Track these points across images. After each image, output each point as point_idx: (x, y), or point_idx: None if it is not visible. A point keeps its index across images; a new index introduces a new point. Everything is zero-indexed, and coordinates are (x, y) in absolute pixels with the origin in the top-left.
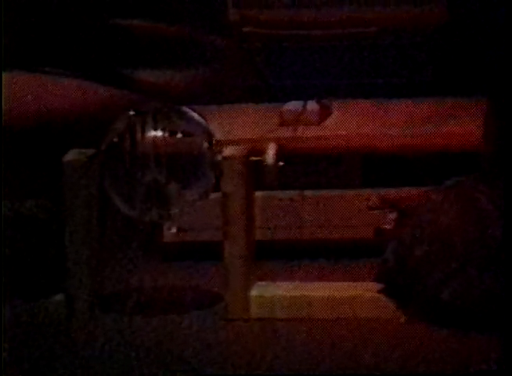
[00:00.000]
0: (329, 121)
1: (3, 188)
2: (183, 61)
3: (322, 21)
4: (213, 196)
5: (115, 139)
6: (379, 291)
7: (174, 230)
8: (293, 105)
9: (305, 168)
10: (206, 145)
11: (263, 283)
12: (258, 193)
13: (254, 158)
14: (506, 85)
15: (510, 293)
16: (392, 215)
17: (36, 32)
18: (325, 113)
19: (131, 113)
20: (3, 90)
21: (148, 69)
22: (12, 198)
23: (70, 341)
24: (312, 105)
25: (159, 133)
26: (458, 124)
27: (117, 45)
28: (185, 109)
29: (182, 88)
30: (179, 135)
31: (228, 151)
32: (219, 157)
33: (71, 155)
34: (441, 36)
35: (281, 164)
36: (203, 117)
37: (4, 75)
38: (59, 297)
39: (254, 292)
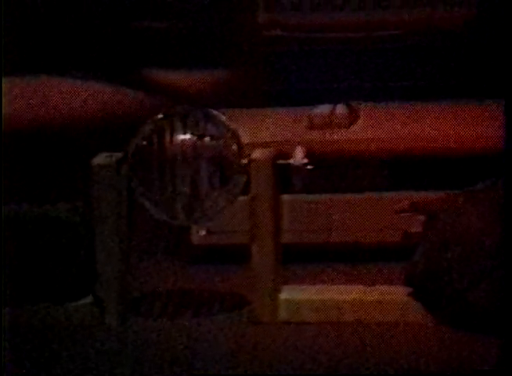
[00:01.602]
0: (358, 125)
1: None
2: (209, 63)
3: (350, 24)
4: (241, 199)
5: (143, 143)
6: (408, 295)
7: (202, 233)
8: (322, 108)
9: (333, 171)
10: (234, 148)
11: (291, 286)
12: (286, 197)
13: (281, 161)
14: None
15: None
16: (420, 219)
17: (62, 36)
18: (354, 116)
19: (160, 116)
20: (27, 94)
21: (174, 71)
22: (42, 202)
23: (99, 343)
24: (341, 108)
25: (187, 137)
26: (491, 127)
27: (140, 48)
28: (214, 112)
29: (207, 90)
30: (207, 139)
31: (255, 154)
32: (247, 161)
33: (100, 159)
34: (468, 38)
35: (310, 167)
36: (231, 121)
37: (32, 80)
38: (88, 300)
39: (282, 295)
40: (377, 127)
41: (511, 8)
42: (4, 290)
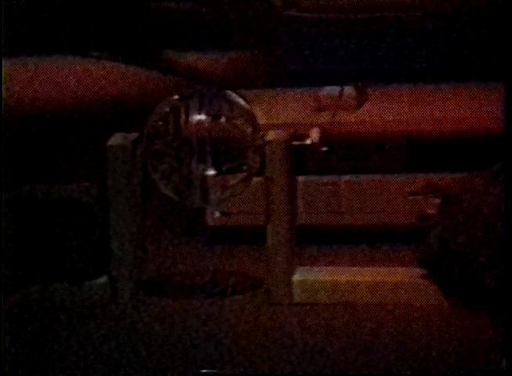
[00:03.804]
0: (369, 106)
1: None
2: (224, 44)
3: (365, 5)
4: (256, 180)
5: (159, 123)
6: (422, 277)
7: (217, 214)
8: (329, 90)
9: (348, 152)
10: (249, 129)
11: (306, 267)
12: (300, 178)
13: (296, 142)
14: None
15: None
16: (436, 201)
17: (78, 16)
18: (362, 97)
19: (175, 97)
20: (41, 75)
21: (189, 52)
22: (57, 182)
23: (113, 322)
24: (349, 90)
25: (203, 117)
26: (501, 108)
27: (158, 28)
28: (229, 93)
29: (223, 71)
30: (222, 120)
31: (270, 135)
32: (262, 142)
33: (115, 139)
34: (481, 21)
35: (325, 149)
36: (246, 101)
37: (46, 61)
38: (102, 279)
39: (296, 277)
40: (386, 109)
41: None
42: (18, 270)
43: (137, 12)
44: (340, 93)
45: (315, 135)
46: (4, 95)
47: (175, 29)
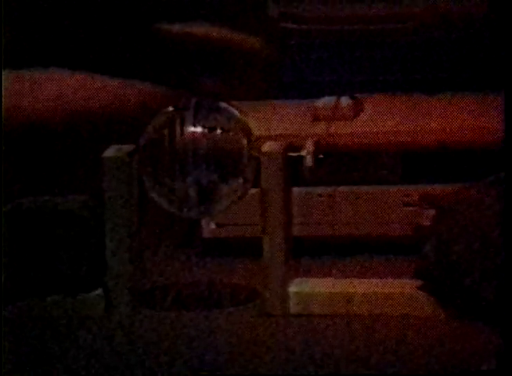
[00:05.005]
0: (364, 117)
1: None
2: (222, 67)
3: (360, 17)
4: (251, 191)
5: (154, 135)
6: (418, 288)
7: (212, 226)
8: (326, 100)
9: (343, 164)
10: (244, 141)
11: (301, 279)
12: (296, 189)
13: (292, 154)
14: None
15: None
16: (431, 212)
17: (76, 30)
18: (358, 108)
19: (171, 109)
20: (37, 87)
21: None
22: (53, 194)
23: (108, 335)
24: (346, 100)
25: (198, 129)
26: (498, 119)
27: (160, 50)
28: (224, 104)
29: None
30: (218, 131)
31: (266, 147)
32: (258, 153)
33: (111, 151)
34: (478, 31)
35: (320, 156)
36: (241, 113)
37: (43, 73)
38: (98, 292)
39: (292, 288)
40: (382, 120)
41: None
42: (14, 282)
43: (137, 32)
44: (337, 104)
45: (309, 145)
46: None
47: (174, 51)
